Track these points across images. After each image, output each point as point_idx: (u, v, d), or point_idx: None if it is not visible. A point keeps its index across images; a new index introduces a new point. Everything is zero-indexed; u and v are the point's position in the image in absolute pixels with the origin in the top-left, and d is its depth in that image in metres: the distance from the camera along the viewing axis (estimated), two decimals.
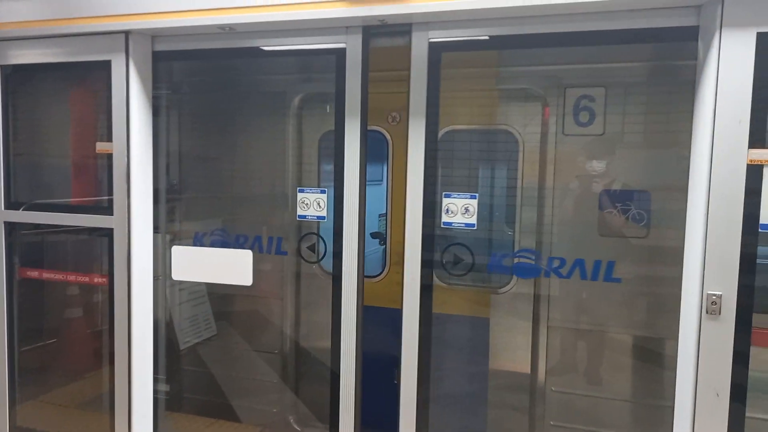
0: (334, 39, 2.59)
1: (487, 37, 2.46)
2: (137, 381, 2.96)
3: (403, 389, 2.59)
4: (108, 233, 2.91)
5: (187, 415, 3.32)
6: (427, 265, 2.52)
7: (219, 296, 3.76)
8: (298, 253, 3.55)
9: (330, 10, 2.42)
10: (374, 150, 3.52)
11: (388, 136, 3.66)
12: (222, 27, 2.65)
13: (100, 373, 3.29)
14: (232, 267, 2.79)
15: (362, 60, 2.54)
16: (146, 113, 2.91)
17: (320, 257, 3.46)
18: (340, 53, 2.56)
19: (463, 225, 2.55)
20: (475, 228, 2.57)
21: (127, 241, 2.87)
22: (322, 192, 2.71)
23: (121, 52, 2.80)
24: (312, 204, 2.74)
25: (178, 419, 3.22)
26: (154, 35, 2.87)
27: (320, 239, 3.38)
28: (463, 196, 2.56)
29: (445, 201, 2.56)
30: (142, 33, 2.82)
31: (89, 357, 3.61)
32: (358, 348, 2.62)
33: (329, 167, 3.52)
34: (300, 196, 2.76)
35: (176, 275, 2.94)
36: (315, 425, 3.56)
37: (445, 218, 2.56)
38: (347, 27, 2.53)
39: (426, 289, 2.53)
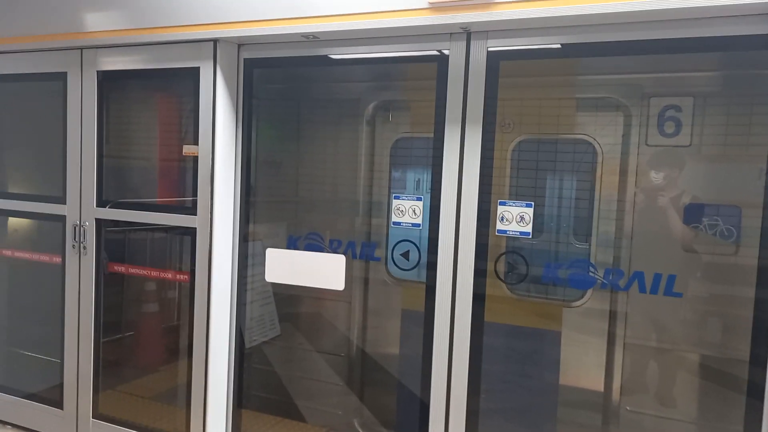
0: (426, 46, 2.62)
1: (551, 46, 2.44)
2: (213, 376, 3.06)
3: (454, 398, 2.63)
4: (191, 232, 3.04)
5: (255, 412, 3.39)
6: (480, 274, 2.53)
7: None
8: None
9: (413, 18, 2.44)
10: None
11: None
12: (306, 35, 2.73)
13: (175, 367, 3.43)
14: (324, 271, 2.85)
15: (465, 66, 2.55)
16: (231, 118, 3.02)
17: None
18: (442, 60, 2.58)
19: (517, 233, 2.53)
20: (530, 236, 2.54)
21: (209, 240, 2.98)
22: (418, 199, 2.74)
23: (209, 59, 2.92)
24: (407, 211, 2.77)
25: (246, 416, 3.30)
26: (241, 43, 2.98)
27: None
28: (518, 204, 2.54)
29: (501, 209, 2.55)
30: (229, 41, 2.93)
31: (166, 351, 3.75)
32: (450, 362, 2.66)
33: (397, 174, 3.55)
34: (395, 203, 2.80)
35: (269, 277, 3.02)
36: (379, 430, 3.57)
37: (499, 226, 2.55)
38: (450, 33, 2.55)
39: (479, 299, 2.54)
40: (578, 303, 3.29)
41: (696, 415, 2.99)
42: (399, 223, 2.77)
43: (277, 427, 3.45)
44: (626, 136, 3.13)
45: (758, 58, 2.46)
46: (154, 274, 3.48)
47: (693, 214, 2.87)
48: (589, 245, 3.25)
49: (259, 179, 3.28)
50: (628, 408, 3.13)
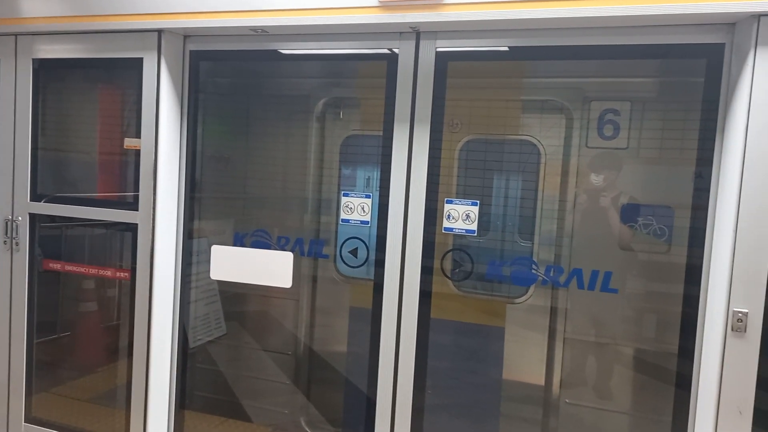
0: (376, 44, 2.63)
1: (500, 48, 2.50)
2: (155, 377, 2.98)
3: (400, 395, 2.66)
4: (133, 228, 2.95)
5: (199, 413, 3.33)
6: (427, 271, 2.58)
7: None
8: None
9: (363, 16, 2.45)
10: None
11: None
12: (254, 29, 2.69)
13: (114, 368, 3.32)
14: (271, 268, 2.81)
15: (414, 65, 2.58)
16: (176, 112, 2.95)
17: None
18: (392, 59, 2.59)
19: (463, 231, 2.59)
20: (475, 234, 2.61)
21: (151, 236, 2.90)
22: (367, 197, 2.74)
23: (153, 50, 2.84)
24: (356, 208, 2.77)
25: (189, 417, 3.23)
26: (187, 35, 2.91)
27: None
28: (464, 203, 2.59)
29: (447, 207, 2.60)
30: (174, 32, 2.86)
31: (105, 351, 3.63)
32: (397, 359, 2.67)
33: (347, 172, 3.54)
34: (345, 200, 2.79)
35: (215, 275, 2.96)
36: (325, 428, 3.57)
37: (446, 224, 2.60)
38: (400, 33, 2.57)
39: (425, 296, 2.58)
40: (521, 300, 3.38)
41: (630, 407, 3.12)
42: (348, 221, 2.78)
43: (222, 427, 3.40)
44: (568, 138, 3.23)
45: (691, 66, 2.59)
46: (92, 271, 3.35)
47: (629, 213, 3.00)
48: (533, 243, 3.35)
49: (205, 175, 3.21)
50: (567, 401, 3.24)
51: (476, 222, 2.59)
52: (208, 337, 3.71)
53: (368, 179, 3.50)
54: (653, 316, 2.96)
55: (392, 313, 2.65)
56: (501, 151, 3.35)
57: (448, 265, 2.87)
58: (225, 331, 3.86)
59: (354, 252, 2.95)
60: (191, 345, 3.28)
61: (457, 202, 2.60)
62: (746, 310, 2.05)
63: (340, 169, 3.66)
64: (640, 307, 2.98)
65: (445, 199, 2.61)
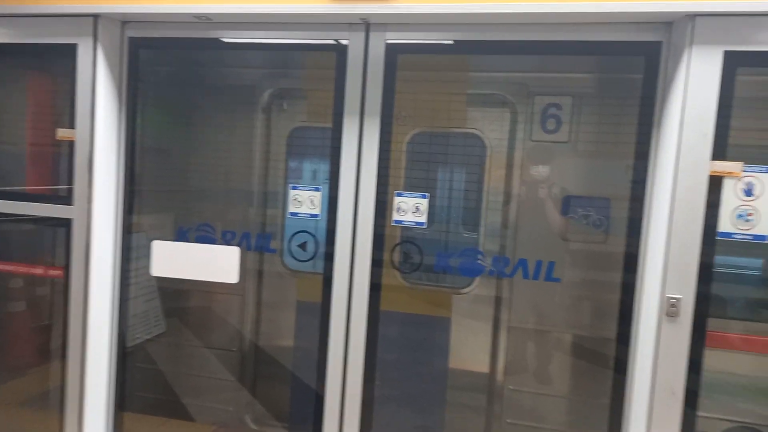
0: (325, 35, 2.60)
1: (450, 42, 2.54)
2: (92, 378, 2.86)
3: (349, 387, 2.66)
4: (66, 224, 2.80)
5: (139, 415, 3.22)
6: (377, 264, 2.59)
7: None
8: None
9: (311, 5, 2.41)
10: None
11: None
12: (198, 16, 2.60)
13: (47, 370, 3.16)
14: (217, 264, 2.73)
15: (363, 57, 2.56)
16: (114, 101, 2.82)
17: None
18: (341, 51, 2.56)
19: (413, 223, 2.62)
20: (425, 226, 2.64)
21: (86, 232, 2.77)
22: (317, 190, 2.70)
23: (88, 36, 2.70)
24: (305, 201, 2.73)
25: (128, 418, 3.12)
26: (125, 20, 2.79)
27: None
28: (414, 195, 2.62)
29: (397, 199, 2.62)
30: (111, 17, 2.73)
31: (36, 353, 3.45)
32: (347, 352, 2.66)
33: (293, 164, 3.50)
34: (293, 193, 2.74)
35: (156, 271, 2.85)
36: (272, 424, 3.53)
37: (396, 216, 2.62)
38: (350, 24, 2.54)
39: (375, 289, 2.60)
40: (466, 290, 3.44)
41: (569, 391, 3.25)
42: (296, 214, 2.74)
43: (163, 428, 3.30)
44: (512, 132, 3.31)
45: (628, 62, 2.70)
46: (21, 269, 3.17)
47: (569, 205, 3.10)
48: (478, 235, 3.41)
49: (146, 167, 3.09)
50: (510, 387, 3.33)
51: (426, 214, 2.61)
52: (147, 335, 3.59)
53: (315, 172, 3.47)
54: (592, 304, 3.08)
55: (342, 306, 2.64)
56: (447, 144, 3.40)
57: (397, 257, 2.89)
58: (165, 329, 3.75)
59: (303, 246, 2.92)
60: (129, 344, 3.16)
61: (407, 194, 2.62)
62: (679, 296, 2.17)
63: (286, 161, 3.61)
64: (580, 296, 3.10)
65: (395, 191, 2.61)
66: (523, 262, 2.89)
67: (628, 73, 2.91)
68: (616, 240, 2.98)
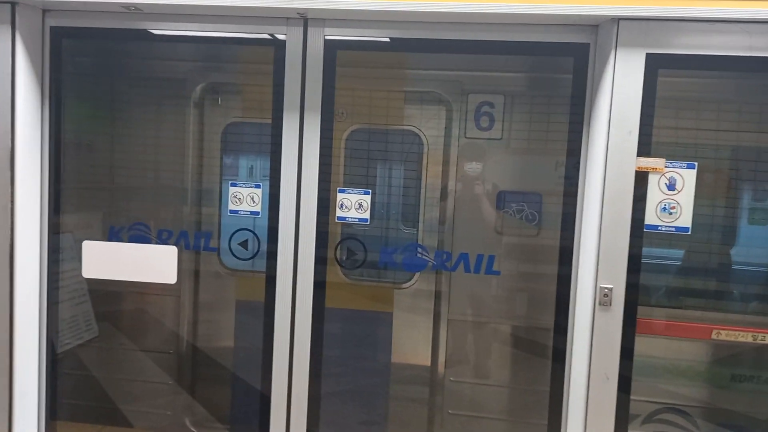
0: (262, 29, 2.55)
1: (387, 39, 2.56)
2: (20, 387, 2.70)
3: (295, 386, 2.65)
4: None
5: (73, 423, 3.07)
6: (320, 261, 2.59)
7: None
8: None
9: None
10: None
11: None
12: (126, 6, 2.49)
13: None
14: (153, 264, 2.62)
15: (302, 53, 2.53)
16: (35, 94, 2.65)
17: None
18: (280, 45, 2.52)
19: (356, 220, 2.63)
20: (368, 223, 2.66)
21: (10, 233, 2.60)
22: (257, 187, 2.65)
23: (5, 24, 2.52)
24: (245, 199, 2.66)
25: (62, 427, 2.97)
26: (46, 9, 2.63)
27: None
28: (356, 192, 2.63)
29: (340, 196, 2.62)
30: (30, 5, 2.57)
31: None
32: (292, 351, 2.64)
33: (229, 160, 3.42)
34: (232, 190, 2.67)
35: (87, 273, 2.72)
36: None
37: (339, 213, 2.62)
38: (287, 18, 2.50)
39: (319, 286, 2.60)
40: (407, 285, 3.49)
41: (509, 380, 3.36)
42: (237, 212, 2.68)
43: None
44: (448, 129, 3.37)
45: (556, 63, 2.81)
46: None
47: (503, 200, 3.19)
48: (417, 230, 3.46)
49: (71, 164, 2.93)
50: (451, 379, 3.41)
51: (369, 211, 2.62)
52: (78, 340, 3.42)
53: (251, 168, 3.40)
54: (529, 295, 3.19)
55: (286, 304, 2.61)
56: (385, 140, 3.42)
57: (340, 254, 2.88)
58: (97, 333, 3.58)
59: (244, 244, 2.86)
60: (59, 350, 3.00)
61: (350, 191, 2.62)
62: (611, 286, 2.29)
63: (221, 158, 3.52)
64: (515, 287, 3.20)
65: (338, 188, 2.61)
66: (464, 257, 2.95)
67: (558, 73, 3.04)
68: (548, 233, 3.11)
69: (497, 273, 3.00)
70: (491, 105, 3.26)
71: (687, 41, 2.23)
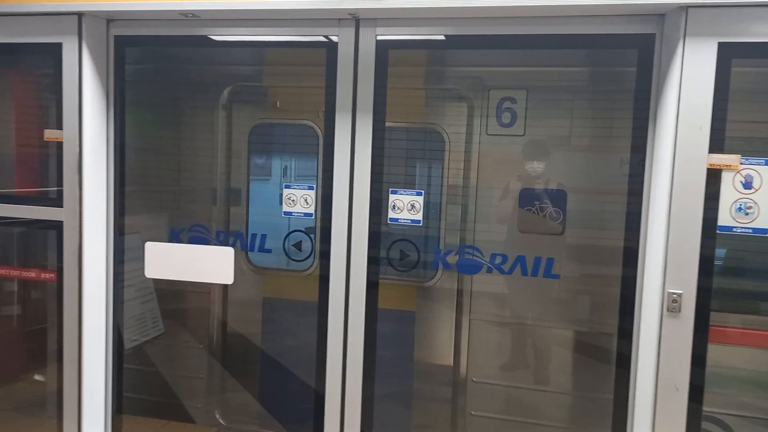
0: (314, 31, 2.56)
1: (442, 37, 2.50)
2: (88, 381, 2.84)
3: (349, 387, 2.63)
4: (57, 226, 2.76)
5: (138, 417, 3.20)
6: (373, 262, 2.56)
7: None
8: None
9: (300, 1, 2.37)
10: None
11: (318, 131, 3.63)
12: (184, 13, 2.55)
13: (41, 374, 3.17)
14: (212, 265, 2.69)
15: (354, 53, 2.51)
16: (101, 100, 2.77)
17: None
18: (332, 47, 2.52)
19: (409, 221, 2.58)
20: (420, 224, 2.61)
21: (78, 234, 2.73)
22: (310, 189, 2.66)
23: (73, 34, 2.65)
24: (299, 200, 2.68)
25: (128, 421, 3.10)
26: (110, 19, 2.74)
27: None
28: (409, 193, 2.58)
29: (392, 197, 2.58)
30: (96, 16, 2.68)
31: (29, 357, 3.43)
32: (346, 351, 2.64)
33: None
34: (286, 192, 2.69)
35: (149, 273, 2.81)
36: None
37: (391, 214, 2.58)
38: (339, 19, 2.49)
39: (372, 287, 2.57)
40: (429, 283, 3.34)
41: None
42: (290, 213, 2.69)
43: (162, 430, 3.28)
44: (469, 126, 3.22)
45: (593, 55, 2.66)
46: (13, 273, 3.13)
47: (526, 198, 2.99)
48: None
49: (134, 167, 3.04)
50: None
51: (421, 212, 2.57)
52: (145, 337, 3.56)
53: (285, 168, 3.39)
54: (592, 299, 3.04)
55: (339, 304, 2.61)
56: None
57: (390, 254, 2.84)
58: (163, 330, 3.72)
59: (298, 245, 2.88)
60: (126, 346, 3.13)
61: (402, 192, 2.58)
62: (680, 291, 2.15)
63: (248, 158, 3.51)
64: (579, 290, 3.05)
65: (390, 189, 2.57)
66: (521, 259, 2.84)
67: (589, 66, 2.87)
68: (573, 231, 2.94)
69: (557, 276, 2.87)
70: (513, 100, 3.09)
71: (763, 29, 2.06)
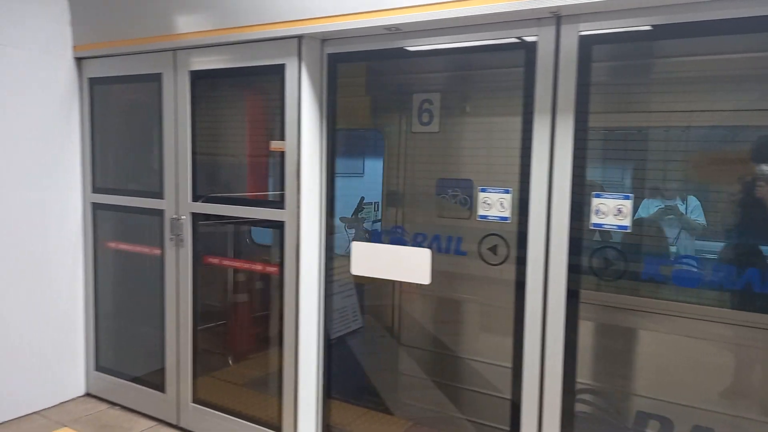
0: (511, 33, 2.53)
1: (649, 28, 2.28)
2: (304, 366, 3.14)
3: (547, 402, 2.52)
4: (279, 225, 3.11)
5: (343, 403, 3.42)
6: (574, 269, 2.43)
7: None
8: None
9: (500, 4, 2.36)
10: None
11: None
12: (388, 28, 2.70)
13: (265, 356, 3.54)
14: (410, 265, 2.83)
15: (554, 52, 2.43)
16: (316, 113, 3.06)
17: None
18: (530, 48, 2.48)
19: (615, 227, 2.38)
20: (628, 230, 2.41)
21: (296, 233, 3.04)
22: (506, 192, 2.65)
23: (294, 55, 2.96)
24: (495, 204, 2.68)
25: (335, 406, 3.33)
26: (324, 38, 3.00)
27: None
28: (615, 196, 2.38)
29: (595, 201, 2.41)
30: (313, 37, 2.96)
31: (256, 340, 3.88)
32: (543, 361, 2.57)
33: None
34: (482, 195, 2.73)
35: (355, 270, 3.04)
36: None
37: (595, 219, 2.41)
38: (538, 18, 2.44)
39: (572, 296, 2.44)
40: None
41: None
42: (485, 217, 2.68)
43: (364, 417, 3.47)
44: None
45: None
46: (246, 266, 3.59)
47: (441, 186, 3.36)
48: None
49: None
50: None
51: (630, 217, 2.36)
52: (347, 329, 3.83)
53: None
54: None
55: (537, 312, 2.52)
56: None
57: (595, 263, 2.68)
58: (362, 324, 3.96)
59: (493, 249, 2.86)
60: (332, 337, 3.40)
61: (607, 195, 2.40)
62: None
63: None
64: None
65: (593, 192, 2.42)
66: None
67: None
68: None
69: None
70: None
71: None
